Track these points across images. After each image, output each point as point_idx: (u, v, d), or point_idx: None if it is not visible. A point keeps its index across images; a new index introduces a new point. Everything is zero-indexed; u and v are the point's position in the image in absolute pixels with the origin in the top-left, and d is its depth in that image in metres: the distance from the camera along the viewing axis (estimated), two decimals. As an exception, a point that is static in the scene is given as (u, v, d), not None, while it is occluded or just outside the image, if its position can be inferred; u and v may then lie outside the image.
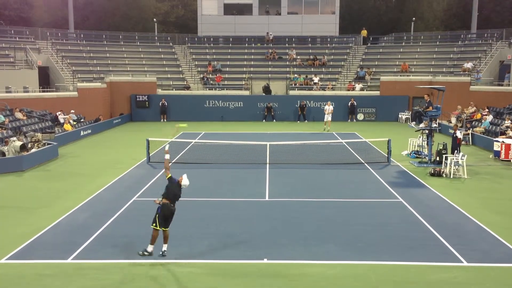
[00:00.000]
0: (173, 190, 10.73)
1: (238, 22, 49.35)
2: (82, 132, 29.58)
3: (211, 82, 41.65)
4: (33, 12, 56.31)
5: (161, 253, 10.70)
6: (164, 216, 10.57)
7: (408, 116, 36.33)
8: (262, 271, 10.17)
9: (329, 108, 32.04)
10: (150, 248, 10.66)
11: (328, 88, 40.32)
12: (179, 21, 67.27)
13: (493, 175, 19.42)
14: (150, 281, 9.72)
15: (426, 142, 21.63)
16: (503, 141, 22.39)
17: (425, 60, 43.44)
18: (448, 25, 61.45)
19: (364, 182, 18.09)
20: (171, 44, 47.23)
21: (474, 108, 31.41)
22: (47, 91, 34.41)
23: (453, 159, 18.94)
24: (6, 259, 10.76)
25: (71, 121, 30.15)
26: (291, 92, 39.89)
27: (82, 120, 32.38)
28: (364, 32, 49.42)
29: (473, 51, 41.81)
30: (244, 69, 43.75)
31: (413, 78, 39.05)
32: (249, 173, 19.41)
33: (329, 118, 31.93)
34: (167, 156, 11.35)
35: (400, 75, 40.51)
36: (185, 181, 10.85)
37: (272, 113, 38.32)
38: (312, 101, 38.34)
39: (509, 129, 24.58)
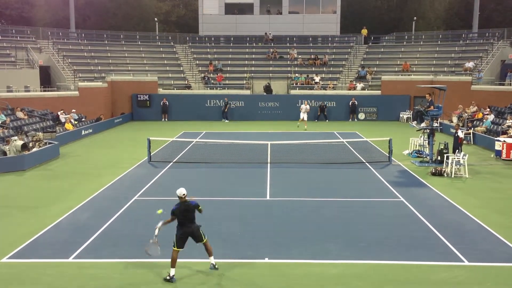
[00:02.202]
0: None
1: (239, 21, 49.36)
2: (83, 131, 29.59)
3: (212, 81, 41.65)
4: (34, 12, 56.41)
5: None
6: None
7: (409, 116, 36.31)
8: (263, 271, 10.16)
9: (305, 107, 32.01)
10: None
11: (329, 87, 40.29)
12: (180, 21, 67.30)
13: (495, 174, 19.40)
14: (151, 281, 9.71)
15: (427, 141, 21.60)
16: (504, 141, 22.35)
17: (427, 59, 43.38)
18: (449, 25, 61.39)
19: (365, 181, 18.07)
20: (172, 43, 47.24)
21: (476, 107, 31.36)
22: (48, 91, 34.44)
23: (455, 158, 18.91)
24: (7, 258, 10.77)
25: (72, 121, 30.15)
26: (292, 92, 39.87)
27: (83, 119, 32.39)
28: (364, 31, 49.37)
29: (474, 50, 41.76)
30: (245, 68, 43.76)
31: (414, 77, 39.02)
32: (250, 173, 19.40)
33: (305, 118, 31.89)
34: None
35: (401, 75, 40.49)
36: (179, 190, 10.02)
37: (226, 110, 37.77)
38: (313, 101, 38.30)
39: (510, 129, 24.54)
